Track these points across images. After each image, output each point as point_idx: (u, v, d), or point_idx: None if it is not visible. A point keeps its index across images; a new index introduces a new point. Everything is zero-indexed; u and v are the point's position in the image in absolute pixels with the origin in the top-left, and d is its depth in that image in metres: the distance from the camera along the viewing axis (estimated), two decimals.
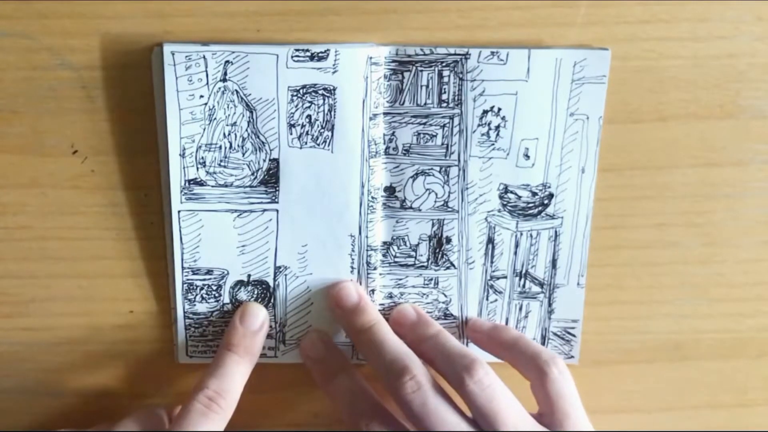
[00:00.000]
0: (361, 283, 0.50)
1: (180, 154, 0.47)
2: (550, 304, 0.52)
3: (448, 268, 0.51)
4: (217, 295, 0.50)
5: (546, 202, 0.50)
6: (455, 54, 0.47)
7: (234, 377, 0.47)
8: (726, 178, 0.50)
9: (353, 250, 0.50)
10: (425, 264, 0.51)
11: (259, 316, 0.50)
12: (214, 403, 0.46)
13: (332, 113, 0.47)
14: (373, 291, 0.51)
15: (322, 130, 0.47)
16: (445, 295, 0.52)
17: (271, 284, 0.50)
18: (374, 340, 0.48)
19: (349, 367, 0.50)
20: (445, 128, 0.48)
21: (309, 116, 0.47)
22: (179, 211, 0.48)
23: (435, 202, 0.50)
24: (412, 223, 0.50)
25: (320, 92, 0.47)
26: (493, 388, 0.45)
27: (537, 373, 0.47)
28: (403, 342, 0.48)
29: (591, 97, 0.48)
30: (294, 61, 0.46)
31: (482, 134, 0.48)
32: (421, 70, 0.47)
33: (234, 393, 0.47)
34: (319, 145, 0.48)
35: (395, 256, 0.51)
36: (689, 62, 0.48)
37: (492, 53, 0.47)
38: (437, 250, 0.51)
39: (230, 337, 0.49)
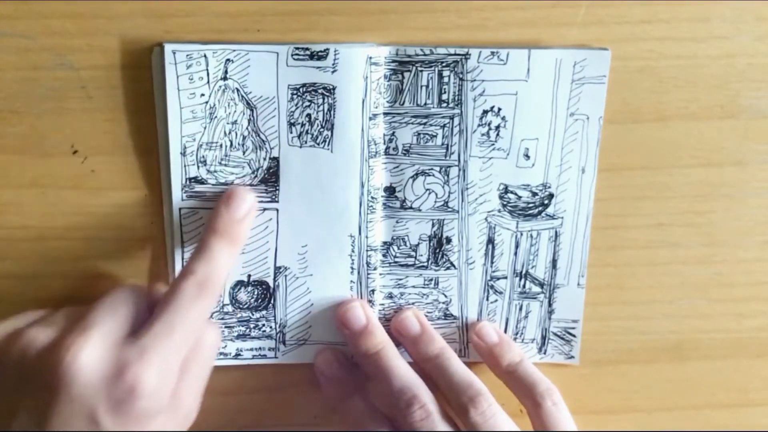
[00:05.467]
0: (361, 284, 0.50)
1: (181, 153, 0.47)
2: (550, 305, 0.52)
3: (448, 268, 0.51)
4: None
5: (546, 202, 0.50)
6: (455, 54, 0.47)
7: (220, 263, 0.45)
8: (726, 178, 0.50)
9: (353, 251, 0.50)
10: (425, 264, 0.51)
11: (245, 203, 0.47)
12: (205, 288, 0.44)
13: (332, 112, 0.47)
14: (373, 291, 0.51)
15: (322, 130, 0.47)
16: (445, 296, 0.51)
17: (271, 285, 0.50)
18: (382, 366, 0.48)
19: (362, 389, 0.50)
20: (445, 128, 0.48)
21: (309, 115, 0.47)
22: (180, 209, 0.48)
23: (435, 202, 0.50)
24: (412, 223, 0.50)
25: (320, 91, 0.47)
26: (495, 419, 0.47)
27: (532, 404, 0.49)
28: (406, 350, 0.51)
29: (591, 97, 0.48)
30: (294, 59, 0.46)
31: (482, 134, 0.48)
32: (421, 70, 0.47)
33: (222, 278, 0.45)
34: (318, 144, 0.48)
35: (395, 257, 0.51)
36: (689, 62, 0.48)
37: (492, 53, 0.47)
38: (437, 251, 0.51)
39: (215, 223, 0.46)
